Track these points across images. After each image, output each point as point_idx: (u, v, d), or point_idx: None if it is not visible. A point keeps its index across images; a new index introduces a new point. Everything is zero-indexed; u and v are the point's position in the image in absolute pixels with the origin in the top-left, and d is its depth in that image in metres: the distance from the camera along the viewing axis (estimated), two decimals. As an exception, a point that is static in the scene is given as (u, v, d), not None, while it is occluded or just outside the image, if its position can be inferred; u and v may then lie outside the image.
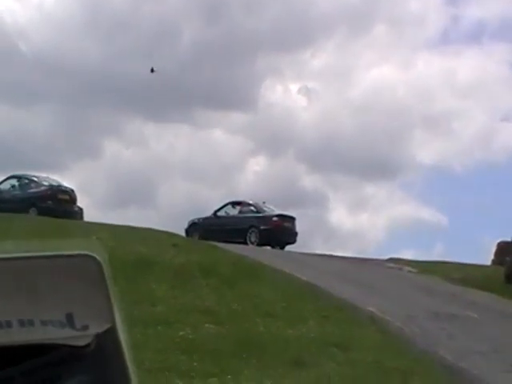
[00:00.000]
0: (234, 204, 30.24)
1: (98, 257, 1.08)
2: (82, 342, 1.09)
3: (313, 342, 11.31)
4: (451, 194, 48.25)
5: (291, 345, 11.05)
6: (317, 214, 46.16)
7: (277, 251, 24.68)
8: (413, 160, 49.49)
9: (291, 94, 50.46)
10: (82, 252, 1.08)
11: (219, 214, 29.96)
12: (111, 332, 1.09)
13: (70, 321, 1.08)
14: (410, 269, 22.79)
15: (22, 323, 1.07)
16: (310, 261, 21.62)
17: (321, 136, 48.58)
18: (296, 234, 29.87)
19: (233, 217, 29.64)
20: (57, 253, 1.08)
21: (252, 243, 28.21)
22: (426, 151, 53.88)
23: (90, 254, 1.08)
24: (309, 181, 50.07)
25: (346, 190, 50.37)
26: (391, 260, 25.57)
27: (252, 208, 29.74)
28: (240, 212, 29.80)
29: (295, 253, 25.66)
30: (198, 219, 30.15)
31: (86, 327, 1.09)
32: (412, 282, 20.04)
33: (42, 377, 1.08)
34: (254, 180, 48.46)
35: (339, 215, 49.22)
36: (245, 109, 49.90)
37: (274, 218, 29.07)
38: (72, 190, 26.25)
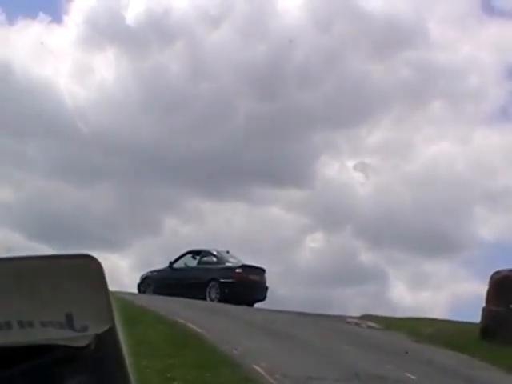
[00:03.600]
0: (194, 254, 26.25)
1: (98, 258, 1.12)
2: (81, 343, 1.12)
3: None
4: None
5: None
6: (376, 290, 43.92)
7: (207, 303, 20.70)
8: (474, 236, 47.35)
9: (348, 169, 48.91)
10: (83, 253, 1.13)
11: (176, 265, 25.95)
12: (111, 333, 1.14)
13: (69, 322, 1.11)
14: (372, 324, 18.86)
15: (21, 324, 1.08)
16: (244, 313, 17.87)
17: (379, 212, 46.59)
18: (266, 288, 25.82)
19: (191, 268, 25.57)
20: (57, 253, 1.15)
21: (212, 300, 24.29)
22: (488, 227, 51.49)
23: (91, 254, 1.13)
24: (367, 257, 48.10)
25: (405, 267, 48.52)
26: (364, 317, 21.61)
27: (213, 258, 25.83)
28: (199, 263, 25.86)
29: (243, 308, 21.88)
30: (152, 272, 26.28)
31: (85, 328, 1.12)
32: (362, 338, 16.15)
33: (42, 377, 1.10)
34: (312, 256, 47.09)
35: (400, 292, 46.69)
36: (301, 185, 48.85)
37: (238, 270, 25.00)
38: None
